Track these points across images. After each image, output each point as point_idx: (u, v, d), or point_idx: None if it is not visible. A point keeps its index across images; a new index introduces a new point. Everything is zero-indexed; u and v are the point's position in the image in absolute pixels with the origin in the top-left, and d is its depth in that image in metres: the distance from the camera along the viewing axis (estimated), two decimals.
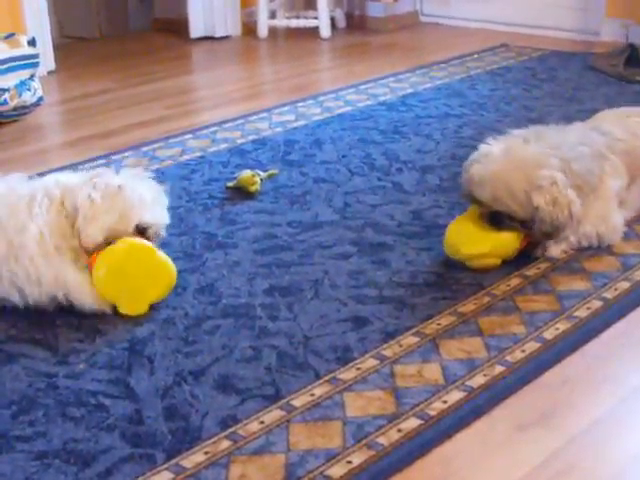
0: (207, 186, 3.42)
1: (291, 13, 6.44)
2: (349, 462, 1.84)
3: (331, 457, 1.85)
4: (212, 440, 1.93)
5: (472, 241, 2.64)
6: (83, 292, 2.46)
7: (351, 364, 2.19)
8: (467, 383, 2.09)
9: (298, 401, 2.05)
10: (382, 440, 1.90)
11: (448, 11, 6.45)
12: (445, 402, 2.02)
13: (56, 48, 5.54)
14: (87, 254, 2.50)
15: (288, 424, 1.97)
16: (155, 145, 3.94)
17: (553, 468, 1.82)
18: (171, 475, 1.83)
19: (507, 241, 2.63)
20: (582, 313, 2.40)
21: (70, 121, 4.53)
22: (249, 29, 6.34)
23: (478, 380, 2.10)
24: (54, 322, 2.44)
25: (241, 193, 3.31)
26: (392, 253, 2.78)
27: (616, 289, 2.52)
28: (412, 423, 1.95)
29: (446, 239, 2.70)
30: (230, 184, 3.38)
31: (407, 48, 5.83)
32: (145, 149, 3.89)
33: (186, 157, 3.78)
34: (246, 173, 3.35)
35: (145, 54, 5.93)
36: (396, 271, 2.66)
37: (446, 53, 5.50)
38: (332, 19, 6.29)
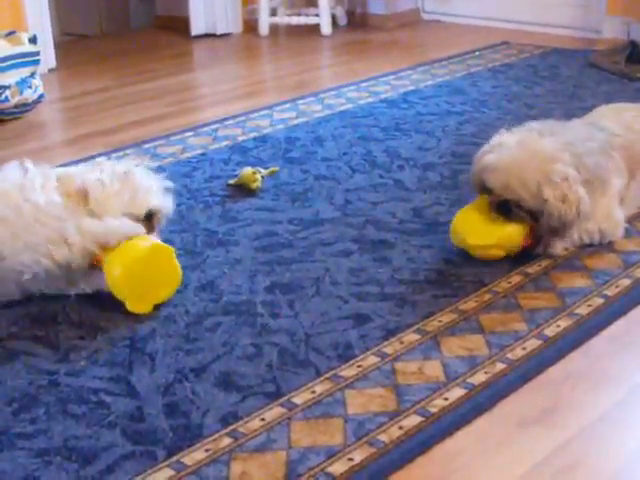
0: (208, 183, 3.42)
1: (292, 10, 6.44)
2: (350, 459, 1.84)
3: (332, 454, 1.85)
4: (213, 437, 1.93)
5: (478, 232, 2.65)
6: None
7: (352, 361, 2.19)
8: (468, 380, 2.09)
9: (299, 398, 2.05)
10: (383, 437, 1.90)
11: (449, 8, 6.45)
12: (446, 399, 2.02)
13: (57, 45, 5.55)
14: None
15: (289, 421, 1.97)
16: (156, 142, 3.94)
17: (555, 465, 1.82)
18: (172, 472, 1.83)
19: (513, 234, 2.63)
20: (583, 310, 2.39)
21: (71, 118, 4.53)
22: (250, 26, 6.34)
23: (479, 377, 2.10)
24: (55, 319, 2.44)
25: (242, 190, 3.31)
26: (393, 250, 2.78)
27: (617, 286, 2.52)
28: (413, 420, 1.95)
29: (453, 227, 2.71)
30: (231, 181, 3.38)
31: (408, 45, 5.82)
32: (146, 146, 3.89)
33: (187, 154, 3.78)
34: (247, 170, 3.35)
35: (146, 52, 5.93)
36: (397, 268, 2.66)
37: (447, 50, 5.50)
38: (333, 16, 6.29)
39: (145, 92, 4.88)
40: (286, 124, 4.15)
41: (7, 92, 4.24)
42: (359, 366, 2.17)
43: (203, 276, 2.65)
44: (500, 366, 2.14)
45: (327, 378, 2.12)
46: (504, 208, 2.64)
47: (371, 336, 2.30)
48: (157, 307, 2.47)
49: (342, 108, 4.37)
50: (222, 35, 6.23)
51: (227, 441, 1.91)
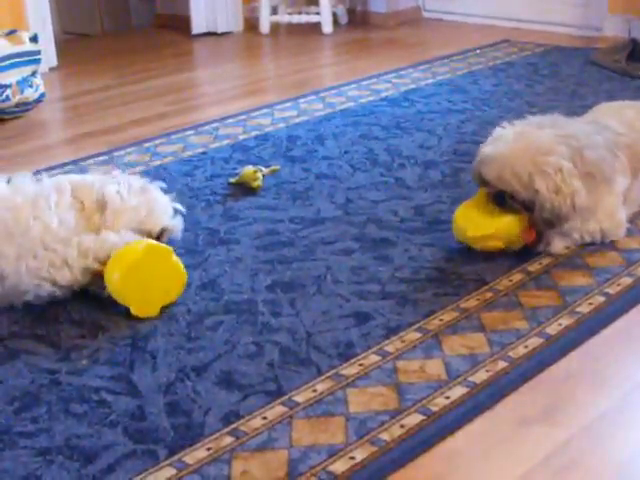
0: (209, 182, 3.42)
1: (293, 9, 6.44)
2: (352, 458, 1.84)
3: (333, 453, 1.85)
4: (214, 436, 1.93)
5: (476, 224, 2.66)
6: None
7: (353, 360, 2.19)
8: (470, 379, 2.09)
9: (300, 397, 2.05)
10: (385, 436, 1.90)
11: (450, 7, 6.44)
12: (448, 398, 2.02)
13: (58, 44, 5.55)
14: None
15: (290, 420, 1.97)
16: (157, 141, 3.94)
17: (556, 464, 1.82)
18: (173, 471, 1.83)
19: (510, 224, 2.64)
20: (585, 309, 2.39)
21: (72, 117, 4.53)
22: (251, 25, 6.34)
23: (481, 376, 2.10)
24: (56, 318, 2.44)
25: (243, 189, 3.31)
26: (394, 249, 2.78)
27: (619, 285, 2.52)
28: (415, 419, 1.95)
29: (454, 222, 2.72)
30: (232, 180, 3.38)
31: (409, 44, 5.82)
32: (147, 145, 3.89)
33: (188, 153, 3.78)
34: (248, 169, 3.35)
35: (147, 50, 5.93)
36: (398, 267, 2.66)
37: (448, 48, 5.50)
38: (334, 15, 6.29)
39: (146, 91, 4.88)
40: (287, 122, 4.15)
41: (8, 91, 4.24)
42: (360, 365, 2.17)
43: (204, 275, 2.65)
44: (501, 364, 2.14)
45: (328, 377, 2.12)
46: (499, 199, 2.66)
47: (372, 334, 2.30)
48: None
49: (343, 106, 4.37)
50: (223, 33, 6.23)
51: (228, 440, 1.91)
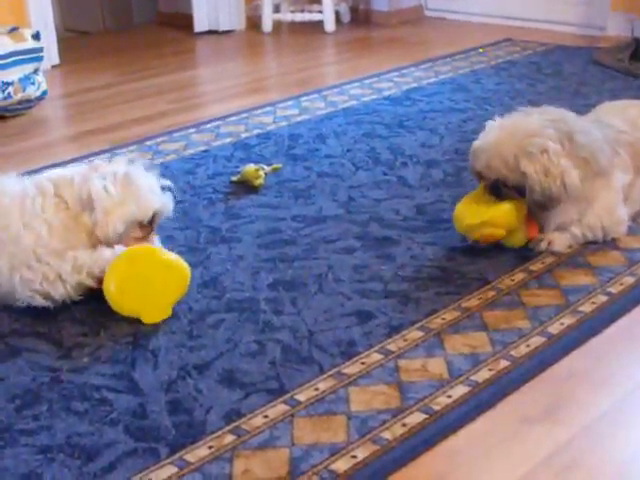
0: (211, 180, 3.42)
1: (295, 7, 6.43)
2: (353, 457, 1.83)
3: (335, 452, 1.85)
4: (216, 434, 1.92)
5: (474, 212, 2.67)
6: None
7: (355, 358, 2.19)
8: (472, 378, 2.09)
9: (302, 395, 2.05)
10: (386, 435, 1.90)
11: (452, 5, 6.44)
12: (450, 397, 2.02)
13: (60, 42, 5.54)
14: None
15: (292, 418, 1.97)
16: (159, 139, 3.94)
17: (558, 463, 1.82)
18: (175, 469, 1.82)
19: (508, 211, 2.64)
20: (587, 308, 2.39)
21: (74, 115, 4.53)
22: (253, 23, 6.34)
23: (483, 375, 2.10)
24: (58, 316, 2.44)
25: (245, 187, 3.31)
26: (396, 247, 2.77)
27: (621, 284, 2.51)
28: (417, 418, 1.95)
29: (454, 216, 2.73)
30: (234, 178, 3.38)
31: (411, 42, 5.81)
32: (149, 143, 3.89)
33: (190, 151, 3.77)
34: (250, 167, 3.35)
35: (149, 48, 5.93)
36: (400, 265, 2.66)
37: (450, 47, 5.49)
38: (337, 13, 6.28)
39: (148, 89, 4.87)
40: (289, 121, 4.14)
41: (10, 89, 4.24)
42: (362, 363, 2.17)
43: (206, 273, 2.65)
44: (503, 363, 2.14)
45: (330, 375, 2.12)
46: (495, 189, 2.68)
47: (374, 333, 2.30)
48: None
49: (345, 105, 4.37)
50: (225, 32, 6.22)
51: (230, 438, 1.91)
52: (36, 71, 4.42)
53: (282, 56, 5.79)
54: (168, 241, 2.78)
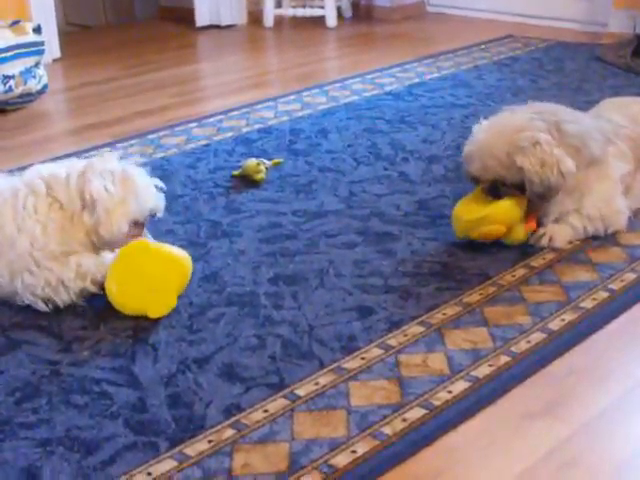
0: (212, 174, 3.41)
1: (297, 2, 6.42)
2: (353, 451, 1.83)
3: (335, 446, 1.85)
4: (216, 428, 1.92)
5: (472, 210, 2.67)
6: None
7: (356, 353, 2.18)
8: (472, 373, 2.08)
9: (302, 390, 2.04)
10: (386, 430, 1.89)
11: (455, 1, 6.43)
12: (450, 392, 2.02)
13: (61, 36, 5.54)
14: (111, 248, 2.51)
15: (292, 413, 1.97)
16: (160, 133, 3.94)
17: (558, 459, 1.81)
18: (174, 463, 1.82)
19: (506, 206, 2.64)
20: (588, 304, 2.39)
21: (75, 109, 4.52)
22: (255, 18, 6.33)
23: (483, 370, 2.09)
24: (58, 309, 2.43)
25: (246, 182, 3.30)
26: (397, 243, 2.77)
27: (622, 280, 2.51)
28: (417, 413, 1.95)
29: (453, 216, 2.73)
30: (235, 172, 3.38)
31: (413, 38, 5.81)
32: (150, 137, 3.88)
33: (191, 145, 3.77)
34: (251, 162, 3.35)
35: (150, 42, 5.92)
36: (401, 261, 2.65)
37: (453, 43, 5.49)
38: (338, 9, 6.28)
39: (149, 83, 4.87)
40: (291, 116, 4.14)
41: (11, 82, 4.24)
42: (363, 358, 2.16)
43: (207, 267, 2.65)
44: (504, 359, 2.14)
45: (331, 370, 2.12)
46: (493, 190, 2.68)
47: (375, 328, 2.29)
48: None
49: (347, 100, 4.36)
50: (227, 26, 6.22)
51: (230, 432, 1.91)
52: (37, 64, 4.42)
53: (284, 51, 5.79)
54: (169, 235, 2.78)
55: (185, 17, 6.30)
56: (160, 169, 3.43)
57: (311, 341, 2.24)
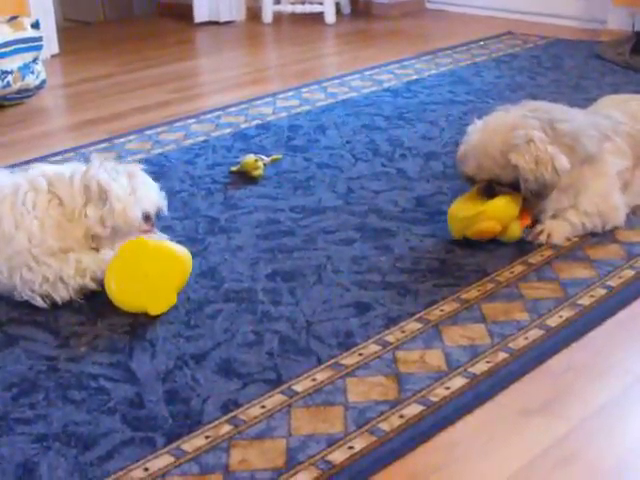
0: (210, 170, 3.41)
1: None
2: (350, 447, 1.83)
3: (332, 442, 1.85)
4: (213, 424, 1.92)
5: (467, 208, 2.68)
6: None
7: (353, 349, 2.18)
8: (470, 370, 2.08)
9: (300, 386, 2.04)
10: (384, 426, 1.89)
11: None
12: (448, 388, 2.01)
13: (60, 31, 5.55)
14: (114, 244, 2.52)
15: (289, 409, 1.96)
16: (159, 129, 3.93)
17: (556, 455, 1.81)
18: (171, 459, 1.82)
19: (502, 204, 2.64)
20: (586, 301, 2.38)
21: (73, 105, 4.52)
22: (254, 14, 6.33)
23: (481, 367, 2.09)
24: (56, 305, 2.43)
25: (244, 178, 3.30)
26: (395, 239, 2.77)
27: (620, 277, 2.51)
28: (414, 409, 1.94)
29: (448, 216, 2.73)
30: (233, 168, 3.37)
31: (412, 35, 5.80)
32: (148, 133, 3.88)
33: (189, 141, 3.77)
34: (249, 158, 3.34)
35: (149, 38, 5.92)
36: (399, 257, 2.65)
37: (451, 40, 5.48)
38: (337, 5, 6.27)
39: (148, 79, 4.87)
40: (289, 112, 4.14)
41: (9, 77, 4.24)
42: (360, 354, 2.16)
43: (204, 263, 2.64)
44: (502, 356, 2.14)
45: (328, 366, 2.12)
46: (488, 190, 2.68)
47: (372, 324, 2.29)
48: None
49: (345, 97, 4.36)
50: (225, 22, 6.22)
51: (227, 428, 1.91)
52: (35, 60, 4.41)
53: (282, 47, 5.78)
54: (167, 231, 2.77)
55: (184, 13, 6.30)
56: (158, 165, 3.43)
57: (309, 337, 2.24)
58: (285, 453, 1.82)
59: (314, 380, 2.06)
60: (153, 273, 2.38)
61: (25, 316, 2.39)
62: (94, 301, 2.44)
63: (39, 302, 2.42)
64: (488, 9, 6.21)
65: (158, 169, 3.35)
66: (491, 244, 2.69)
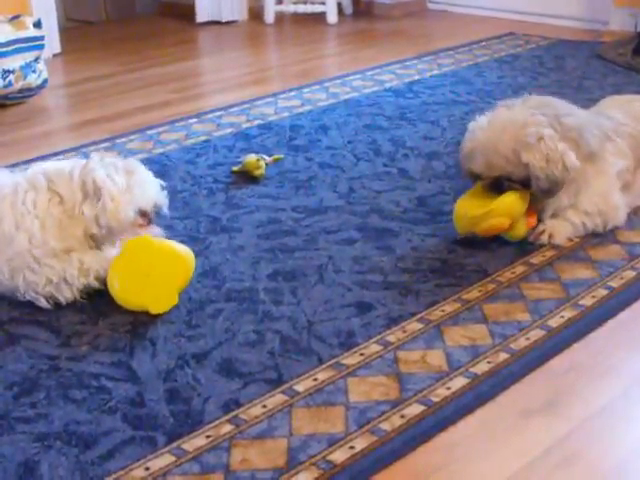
0: (212, 170, 3.41)
1: None
2: (351, 447, 1.83)
3: (333, 442, 1.85)
4: (214, 424, 1.92)
5: (477, 206, 2.65)
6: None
7: (355, 349, 2.18)
8: (471, 370, 2.08)
9: (301, 386, 2.04)
10: (385, 426, 1.89)
11: None
12: (449, 388, 2.01)
13: (62, 31, 5.55)
14: (113, 240, 2.51)
15: (291, 409, 1.96)
16: (160, 129, 3.93)
17: (557, 455, 1.81)
18: (172, 458, 1.82)
19: (512, 200, 2.63)
20: (587, 301, 2.38)
21: (75, 104, 4.52)
22: (255, 14, 6.32)
23: (482, 367, 2.09)
24: (57, 304, 2.43)
25: (246, 177, 3.30)
26: (397, 239, 2.76)
27: (622, 278, 2.51)
28: (415, 409, 1.94)
29: (455, 213, 2.71)
30: (235, 168, 3.37)
31: (414, 35, 5.80)
32: (150, 133, 3.88)
33: (191, 141, 3.77)
34: (251, 157, 3.34)
35: (151, 38, 5.91)
36: (401, 257, 2.65)
37: (453, 40, 5.48)
38: (339, 5, 6.27)
39: (149, 78, 4.87)
40: (291, 112, 4.13)
41: (11, 76, 4.23)
42: (361, 354, 2.16)
43: (206, 262, 2.64)
44: (503, 356, 2.13)
45: (329, 366, 2.12)
46: (497, 186, 2.67)
47: (374, 324, 2.29)
48: None
49: (347, 97, 4.36)
50: (227, 22, 6.21)
51: (228, 428, 1.90)
52: (37, 59, 4.41)
53: (284, 47, 5.78)
54: (168, 231, 2.77)
55: (185, 13, 6.30)
56: (160, 165, 3.43)
57: (310, 337, 2.24)
58: (286, 453, 1.82)
59: (315, 380, 2.06)
60: (156, 272, 2.38)
61: (26, 315, 2.39)
62: (95, 300, 2.44)
63: (43, 303, 2.41)
64: (490, 9, 6.21)
65: (159, 169, 3.35)
66: (493, 244, 2.69)
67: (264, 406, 1.97)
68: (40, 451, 1.85)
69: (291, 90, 4.50)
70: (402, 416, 1.92)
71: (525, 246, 2.69)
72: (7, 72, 4.20)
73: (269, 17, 6.20)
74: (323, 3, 6.13)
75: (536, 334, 2.23)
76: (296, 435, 1.88)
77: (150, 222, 2.62)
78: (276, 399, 2.00)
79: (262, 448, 1.84)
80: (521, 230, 2.68)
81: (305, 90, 4.49)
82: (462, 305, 2.38)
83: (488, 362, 2.11)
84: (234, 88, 4.65)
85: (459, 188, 3.06)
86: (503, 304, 2.38)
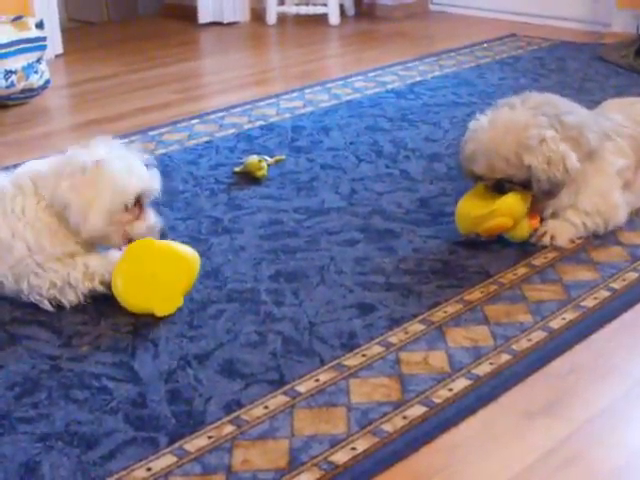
0: (214, 171, 3.41)
1: (300, 0, 6.42)
2: (353, 448, 1.83)
3: (335, 443, 1.84)
4: (216, 424, 1.92)
5: (480, 206, 2.65)
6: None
7: (356, 350, 2.18)
8: (473, 371, 2.08)
9: (303, 387, 2.04)
10: (387, 427, 1.89)
11: (457, 0, 6.42)
12: (451, 390, 2.01)
13: (64, 31, 5.55)
14: (106, 243, 2.49)
15: (292, 409, 1.96)
16: (162, 130, 3.93)
17: (559, 457, 1.81)
18: (174, 459, 1.82)
19: (514, 200, 2.63)
20: (589, 303, 2.38)
21: (77, 105, 4.52)
22: (258, 15, 6.33)
23: (484, 368, 2.09)
24: (58, 304, 2.43)
25: (248, 178, 3.30)
26: (399, 240, 2.76)
27: (624, 279, 2.51)
28: (417, 410, 1.94)
29: (457, 214, 2.71)
30: (237, 169, 3.37)
31: (416, 36, 5.80)
32: (152, 133, 3.88)
33: (193, 142, 3.77)
34: (253, 158, 3.34)
35: (153, 39, 5.92)
36: (402, 258, 2.65)
37: (455, 42, 5.48)
38: (341, 6, 6.27)
39: (151, 79, 4.87)
40: (293, 113, 4.14)
41: (13, 77, 4.24)
42: (363, 355, 2.16)
43: (207, 263, 2.64)
44: (505, 357, 2.13)
45: (331, 367, 2.11)
46: (499, 188, 2.67)
47: (376, 325, 2.29)
48: None
49: (349, 98, 4.36)
50: (229, 23, 6.22)
51: (230, 428, 1.90)
52: (39, 60, 4.42)
53: (286, 48, 5.78)
54: (170, 232, 2.77)
55: (188, 14, 6.30)
56: (162, 165, 3.41)
57: (312, 338, 2.24)
58: (288, 454, 1.82)
59: (317, 381, 2.06)
60: (160, 274, 2.37)
61: (28, 315, 2.39)
62: (97, 301, 2.44)
63: (47, 305, 2.41)
64: (492, 11, 6.21)
65: (161, 169, 3.32)
66: (495, 245, 2.69)
67: (266, 407, 1.97)
68: (41, 451, 1.85)
69: (293, 91, 4.50)
70: (404, 417, 1.92)
71: (527, 248, 2.69)
72: (9, 73, 4.21)
73: (271, 18, 6.20)
74: (325, 4, 6.14)
75: (538, 335, 2.23)
76: (298, 436, 1.88)
77: (142, 211, 2.50)
78: (278, 400, 2.00)
79: (264, 449, 1.84)
80: (524, 231, 2.68)
81: (307, 91, 4.50)
82: (464, 306, 2.38)
83: (490, 363, 2.11)
84: (236, 89, 4.65)
85: (461, 190, 3.06)
86: (505, 305, 2.38)
